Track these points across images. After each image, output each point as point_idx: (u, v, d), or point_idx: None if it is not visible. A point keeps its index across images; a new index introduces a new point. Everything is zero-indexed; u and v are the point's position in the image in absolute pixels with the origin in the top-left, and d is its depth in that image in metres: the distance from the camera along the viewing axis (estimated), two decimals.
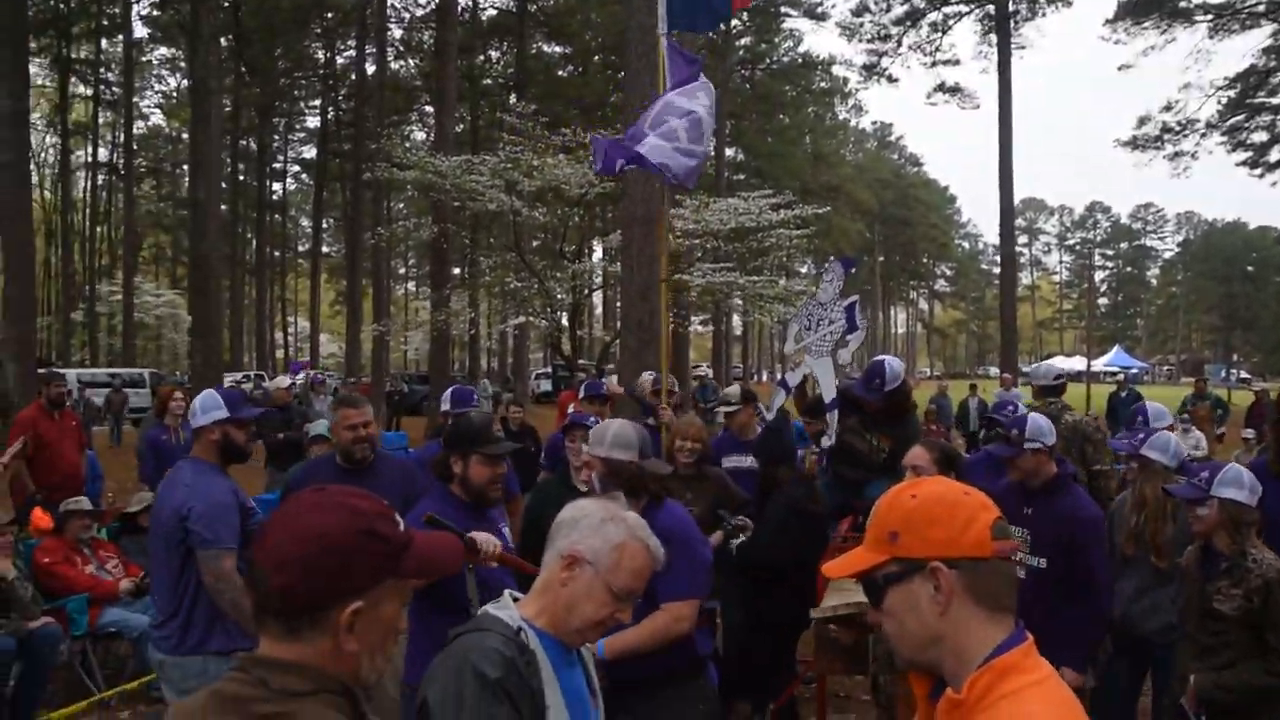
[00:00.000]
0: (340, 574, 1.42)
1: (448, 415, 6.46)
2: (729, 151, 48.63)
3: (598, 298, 36.50)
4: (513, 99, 33.66)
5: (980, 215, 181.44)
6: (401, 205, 54.48)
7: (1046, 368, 8.55)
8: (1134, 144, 42.39)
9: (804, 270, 50.41)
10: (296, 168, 63.60)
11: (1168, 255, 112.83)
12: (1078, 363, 53.35)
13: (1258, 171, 44.34)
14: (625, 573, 2.20)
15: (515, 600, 2.26)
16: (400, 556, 1.50)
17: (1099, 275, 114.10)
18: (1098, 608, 4.31)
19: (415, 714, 2.08)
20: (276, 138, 57.18)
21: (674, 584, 3.23)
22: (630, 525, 2.26)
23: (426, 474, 4.40)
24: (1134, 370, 52.18)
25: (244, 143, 50.96)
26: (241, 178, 52.87)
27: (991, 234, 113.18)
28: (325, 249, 65.02)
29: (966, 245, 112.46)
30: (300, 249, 72.20)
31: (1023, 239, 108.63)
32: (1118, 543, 4.70)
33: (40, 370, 15.69)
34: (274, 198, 61.55)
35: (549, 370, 46.83)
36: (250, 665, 1.43)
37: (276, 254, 64.38)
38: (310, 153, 58.67)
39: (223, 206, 38.75)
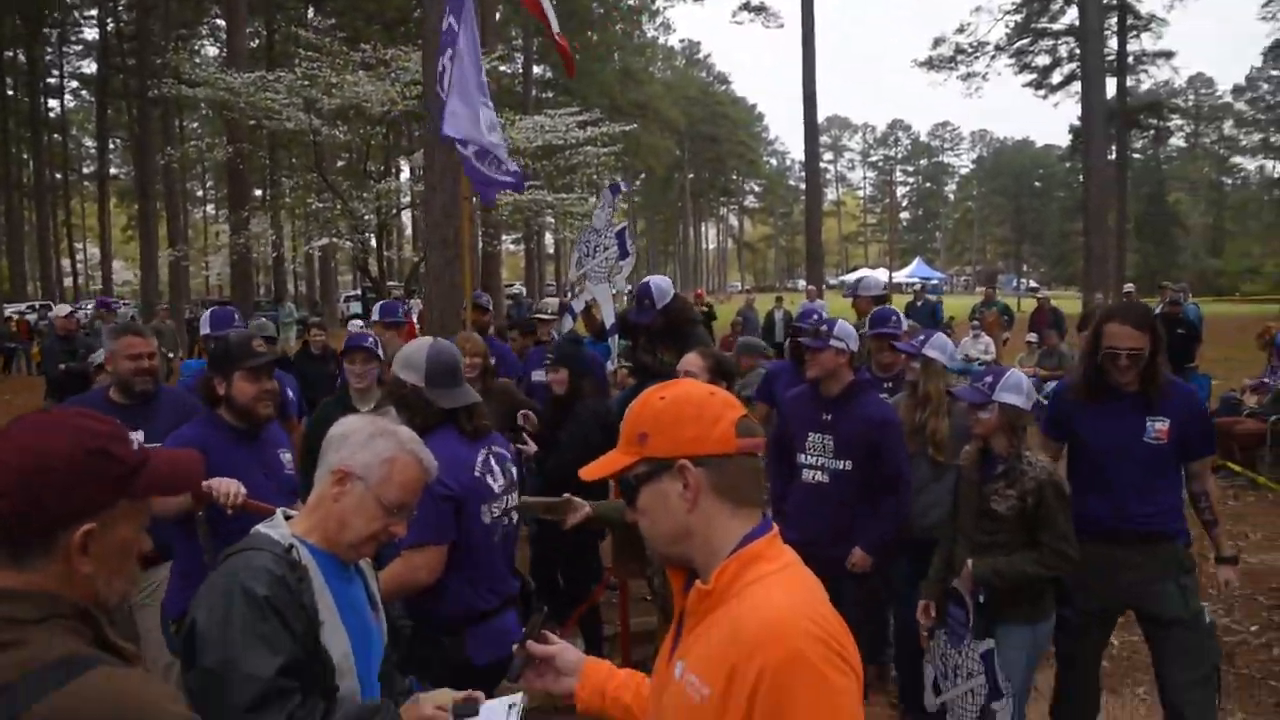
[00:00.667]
0: (68, 495, 1.38)
1: (208, 339, 6.10)
2: (536, 69, 47.87)
3: (406, 218, 35.67)
4: (310, 13, 32.28)
5: (787, 133, 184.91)
6: (195, 124, 51.70)
7: (873, 280, 8.92)
8: (930, 64, 43.97)
9: None
10: (75, 84, 59.36)
11: (964, 172, 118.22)
12: (881, 274, 55.41)
13: (1041, 93, 46.72)
14: (396, 486, 2.20)
15: (288, 519, 2.23)
16: (134, 477, 1.46)
17: (900, 191, 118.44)
18: (897, 502, 4.60)
19: (184, 638, 2.04)
20: (50, 50, 53.12)
21: (410, 531, 2.55)
22: (401, 439, 2.25)
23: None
24: (934, 281, 54.62)
25: (10, 54, 47.03)
26: (10, 93, 49.08)
27: (798, 151, 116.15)
28: (114, 171, 61.23)
29: (774, 162, 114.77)
30: (85, 171, 67.58)
31: (828, 156, 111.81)
32: None
33: None
34: (51, 115, 57.34)
35: (359, 293, 45.78)
36: None
37: (58, 176, 60.14)
38: (90, 68, 54.88)
39: None
